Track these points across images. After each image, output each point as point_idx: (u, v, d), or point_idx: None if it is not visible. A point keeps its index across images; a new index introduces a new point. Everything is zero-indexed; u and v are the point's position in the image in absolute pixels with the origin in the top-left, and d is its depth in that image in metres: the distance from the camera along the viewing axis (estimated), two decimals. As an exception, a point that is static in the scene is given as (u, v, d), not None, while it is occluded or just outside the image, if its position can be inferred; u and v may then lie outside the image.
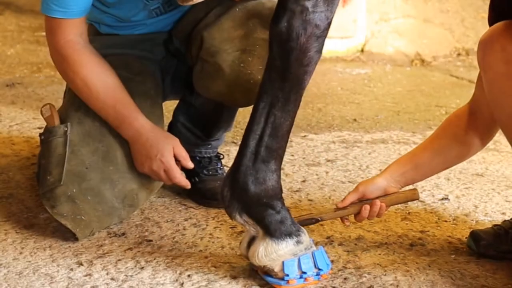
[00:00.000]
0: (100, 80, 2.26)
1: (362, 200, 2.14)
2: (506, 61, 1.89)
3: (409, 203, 2.57)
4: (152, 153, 2.27)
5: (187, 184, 2.36)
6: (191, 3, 2.26)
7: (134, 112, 2.29)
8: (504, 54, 1.89)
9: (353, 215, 2.16)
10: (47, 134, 2.33)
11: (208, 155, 2.65)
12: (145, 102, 2.38)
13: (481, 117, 2.12)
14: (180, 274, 2.03)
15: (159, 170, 2.29)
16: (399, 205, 2.56)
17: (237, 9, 2.34)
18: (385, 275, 2.06)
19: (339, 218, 2.18)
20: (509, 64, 1.89)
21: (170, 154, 2.29)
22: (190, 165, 2.35)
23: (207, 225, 2.38)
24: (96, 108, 2.29)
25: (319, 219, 2.12)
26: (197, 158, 2.62)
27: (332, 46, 5.33)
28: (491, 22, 2.01)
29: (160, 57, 2.54)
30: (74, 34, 2.25)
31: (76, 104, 2.35)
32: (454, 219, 2.49)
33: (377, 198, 2.13)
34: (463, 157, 2.21)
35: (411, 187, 2.26)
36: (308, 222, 2.12)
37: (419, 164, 2.17)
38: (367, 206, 2.12)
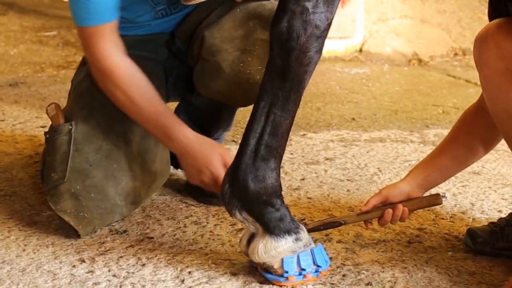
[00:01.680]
0: (141, 92, 2.20)
1: (386, 204, 2.13)
2: (502, 57, 1.90)
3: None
4: (201, 164, 2.21)
5: None
6: (194, 2, 2.26)
7: (177, 123, 2.23)
8: (500, 50, 1.90)
9: (376, 219, 2.15)
10: (52, 133, 2.33)
11: (208, 154, 2.64)
12: None
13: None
14: (181, 271, 2.03)
15: (209, 182, 2.24)
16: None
17: (238, 10, 2.34)
18: (383, 272, 2.05)
19: (362, 222, 2.17)
20: (505, 60, 1.89)
21: (219, 163, 2.22)
22: None
23: (207, 223, 2.38)
24: (138, 120, 2.24)
25: (343, 222, 2.11)
26: (198, 156, 2.62)
27: (331, 46, 5.34)
28: (491, 18, 2.01)
29: (164, 57, 2.54)
30: (110, 41, 2.18)
31: (81, 103, 2.35)
32: (451, 217, 2.49)
33: (400, 202, 2.12)
34: (483, 152, 2.19)
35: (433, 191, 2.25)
36: (331, 225, 2.12)
37: (441, 166, 2.16)
38: (390, 210, 2.11)
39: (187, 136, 2.21)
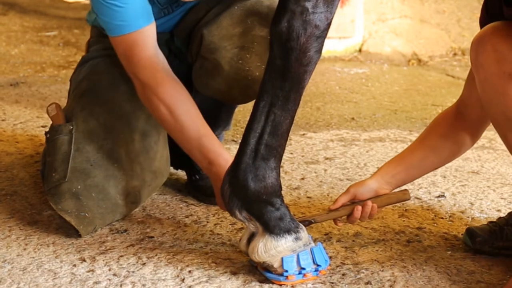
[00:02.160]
0: (184, 110, 2.13)
1: (354, 202, 2.14)
2: (498, 60, 1.90)
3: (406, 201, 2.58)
4: None
5: None
6: None
7: (220, 147, 2.17)
8: (496, 54, 1.90)
9: (345, 217, 2.15)
10: (52, 132, 2.33)
11: (209, 153, 2.64)
12: None
13: (469, 117, 2.13)
14: (181, 270, 2.03)
15: None
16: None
17: (236, 8, 2.34)
18: (382, 271, 2.05)
19: (331, 220, 2.17)
20: (501, 63, 1.90)
21: None
22: None
23: (207, 222, 2.38)
24: (179, 138, 2.18)
25: (312, 221, 2.11)
26: (198, 156, 2.62)
27: (330, 46, 5.34)
28: (483, 23, 2.02)
29: (164, 57, 2.53)
30: (153, 49, 2.13)
31: (81, 103, 2.35)
32: (450, 216, 2.49)
33: (368, 199, 2.13)
34: (453, 156, 2.21)
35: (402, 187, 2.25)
36: (302, 224, 2.11)
37: (410, 165, 2.17)
38: (359, 207, 2.11)
39: (228, 161, 2.08)
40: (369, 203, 2.11)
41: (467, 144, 2.17)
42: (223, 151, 2.17)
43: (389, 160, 2.23)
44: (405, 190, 2.22)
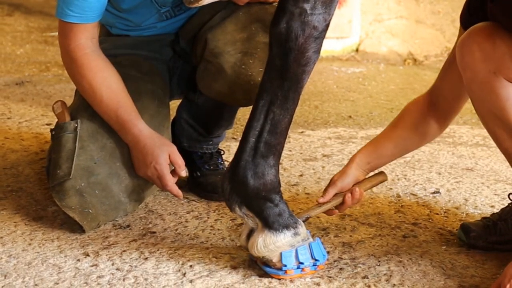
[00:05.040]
0: (105, 85, 2.24)
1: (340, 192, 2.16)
2: (483, 60, 1.91)
3: (402, 197, 2.59)
4: (147, 159, 2.23)
5: (178, 193, 2.27)
6: (197, 5, 2.26)
7: (135, 118, 2.26)
8: (482, 53, 1.91)
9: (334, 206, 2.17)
10: (58, 130, 2.32)
11: (209, 151, 2.64)
12: (153, 101, 2.38)
13: (440, 107, 2.15)
14: (182, 264, 2.03)
15: (153, 177, 2.25)
16: (393, 199, 2.58)
17: (241, 13, 2.34)
18: (379, 265, 2.05)
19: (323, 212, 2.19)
20: (486, 62, 1.91)
21: (165, 162, 2.23)
22: (183, 174, 2.28)
23: (208, 218, 2.38)
24: (99, 111, 2.27)
25: (309, 216, 2.11)
26: (199, 153, 2.62)
27: (328, 46, 5.33)
28: (464, 19, 2.04)
29: (168, 57, 2.53)
30: (86, 38, 2.24)
31: (86, 102, 2.35)
32: (445, 212, 2.49)
33: (353, 186, 2.15)
34: (421, 144, 2.26)
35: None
36: None
37: (382, 153, 2.21)
38: (349, 195, 2.13)
39: (141, 130, 2.24)
40: (357, 189, 2.14)
41: (435, 133, 2.21)
42: (138, 121, 2.25)
43: (362, 147, 2.25)
44: (382, 172, 2.26)
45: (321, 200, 2.14)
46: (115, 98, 2.24)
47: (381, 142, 2.22)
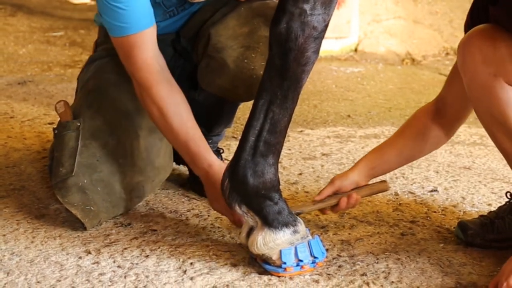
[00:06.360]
0: (176, 113, 2.15)
1: (337, 193, 2.17)
2: (484, 62, 1.91)
3: (400, 195, 2.59)
4: (218, 194, 2.09)
5: None
6: (199, 0, 2.26)
7: (204, 151, 2.18)
8: (482, 55, 1.91)
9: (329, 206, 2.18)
10: (60, 128, 2.33)
11: (209, 150, 2.64)
12: None
13: (446, 114, 2.15)
14: (183, 262, 2.03)
15: (224, 211, 2.19)
16: (391, 197, 2.57)
17: (243, 8, 2.34)
18: (377, 263, 2.05)
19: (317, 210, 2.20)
20: (486, 64, 1.90)
21: None
22: None
23: (208, 216, 2.38)
24: (169, 138, 2.22)
25: (300, 212, 2.12)
26: (199, 152, 2.61)
27: (327, 45, 5.33)
28: (468, 28, 2.03)
29: (169, 56, 2.53)
30: (151, 51, 2.13)
31: (89, 101, 2.35)
32: (442, 210, 2.49)
33: (351, 190, 2.16)
34: (427, 151, 2.25)
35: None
36: None
37: (387, 160, 2.21)
38: (345, 199, 2.14)
39: (212, 165, 2.16)
40: (354, 195, 2.15)
41: (441, 140, 2.22)
42: (208, 154, 2.17)
43: (368, 153, 2.26)
44: (384, 181, 2.26)
45: (317, 198, 2.15)
46: (185, 128, 2.17)
47: (387, 149, 2.23)
